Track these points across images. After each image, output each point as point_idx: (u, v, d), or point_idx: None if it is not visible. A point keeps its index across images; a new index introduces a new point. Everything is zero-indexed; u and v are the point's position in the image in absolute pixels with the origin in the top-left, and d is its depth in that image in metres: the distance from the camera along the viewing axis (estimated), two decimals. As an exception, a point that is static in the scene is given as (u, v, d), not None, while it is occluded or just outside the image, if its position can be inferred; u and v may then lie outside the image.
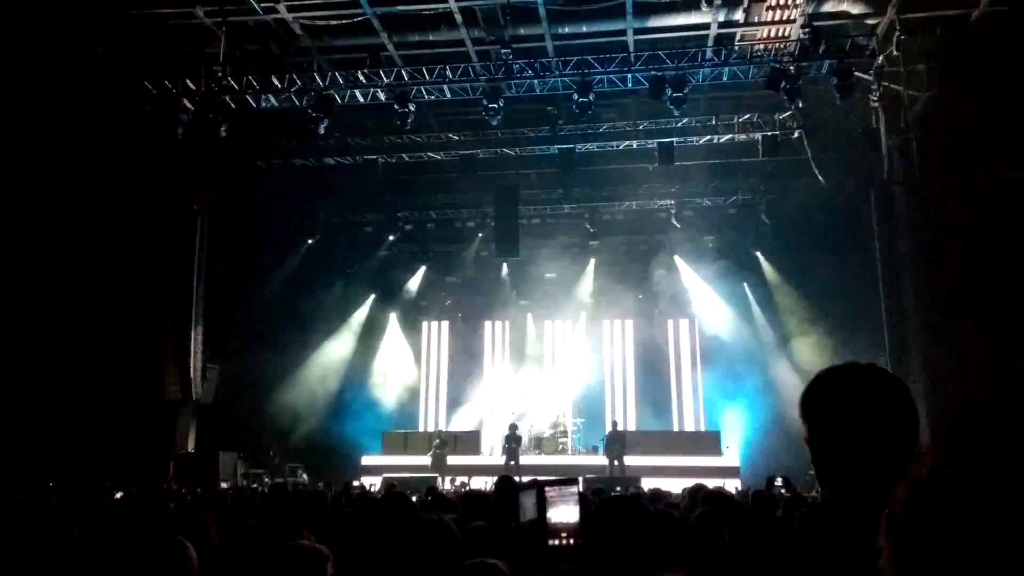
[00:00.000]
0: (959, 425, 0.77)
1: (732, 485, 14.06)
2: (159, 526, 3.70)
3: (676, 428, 20.89)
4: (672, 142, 17.12)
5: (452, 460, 17.46)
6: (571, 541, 1.96)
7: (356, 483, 9.44)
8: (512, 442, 17.41)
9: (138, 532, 3.66)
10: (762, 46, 14.63)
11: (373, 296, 22.52)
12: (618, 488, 12.43)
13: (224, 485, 14.32)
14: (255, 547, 3.30)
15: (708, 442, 18.78)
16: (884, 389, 1.53)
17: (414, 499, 6.06)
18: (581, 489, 2.18)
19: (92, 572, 3.06)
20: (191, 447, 16.96)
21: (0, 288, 14.57)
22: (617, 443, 16.81)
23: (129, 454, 14.87)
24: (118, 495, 10.04)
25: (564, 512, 2.00)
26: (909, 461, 1.47)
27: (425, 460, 17.32)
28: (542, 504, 1.97)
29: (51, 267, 15.56)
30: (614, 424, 17.93)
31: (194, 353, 17.10)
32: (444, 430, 19.48)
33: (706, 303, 21.32)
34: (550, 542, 1.95)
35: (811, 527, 1.57)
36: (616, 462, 16.57)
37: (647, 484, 13.09)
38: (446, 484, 15.78)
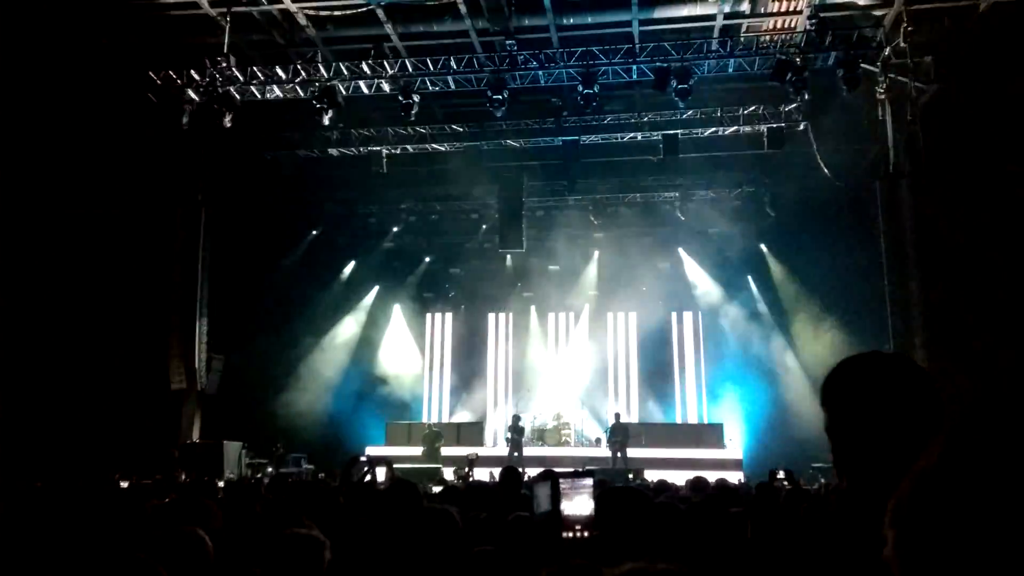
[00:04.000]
0: (966, 418, 0.78)
1: (735, 477, 14.08)
2: (165, 515, 3.72)
3: (679, 420, 20.90)
4: (677, 134, 17.08)
5: (456, 451, 17.54)
6: (585, 533, 1.96)
7: (363, 458, 9.54)
8: (515, 433, 17.46)
9: (144, 521, 3.68)
10: (768, 38, 14.57)
11: (377, 287, 22.53)
12: (629, 477, 12.49)
13: (230, 475, 14.38)
14: (255, 535, 3.31)
15: (711, 435, 18.80)
16: (909, 379, 1.49)
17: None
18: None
19: (101, 562, 3.07)
20: (196, 437, 17.02)
21: (3, 279, 14.59)
22: (620, 435, 16.85)
23: (134, 444, 14.91)
24: (124, 484, 10.08)
25: (578, 504, 2.00)
26: None
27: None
28: (556, 496, 1.97)
29: (55, 258, 15.58)
30: (617, 416, 17.95)
31: (199, 344, 17.14)
32: (435, 423, 19.55)
33: (710, 295, 21.30)
34: (564, 534, 1.95)
35: (826, 517, 1.56)
36: (619, 454, 16.61)
37: (651, 476, 13.12)
38: (448, 474, 15.83)
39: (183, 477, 13.55)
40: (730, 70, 14.86)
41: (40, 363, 15.04)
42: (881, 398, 1.48)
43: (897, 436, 1.45)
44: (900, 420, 1.46)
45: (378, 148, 18.23)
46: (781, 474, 7.58)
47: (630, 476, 13.46)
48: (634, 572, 0.95)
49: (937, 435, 1.46)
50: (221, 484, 10.82)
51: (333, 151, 18.40)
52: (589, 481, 2.03)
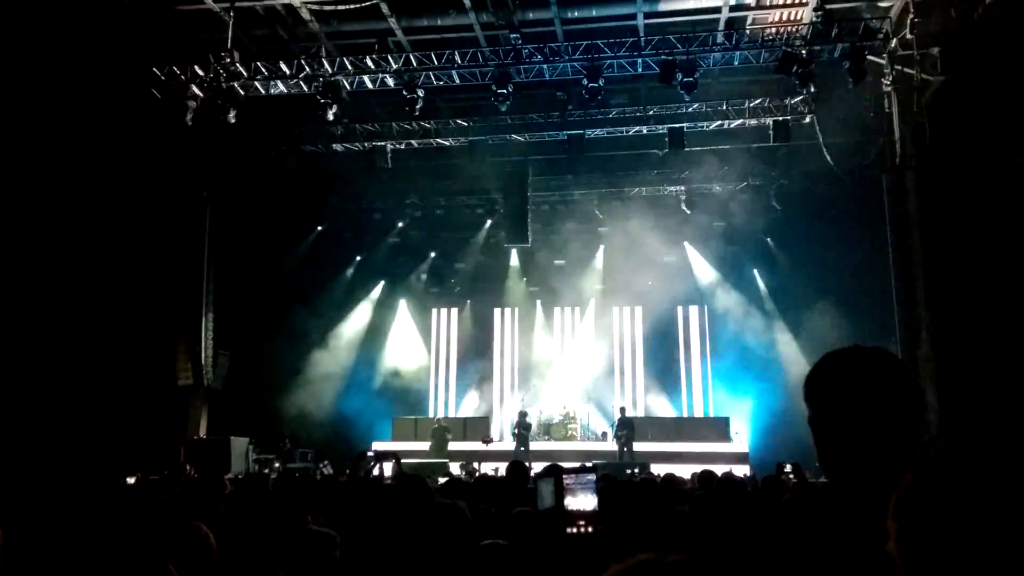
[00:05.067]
0: (970, 412, 0.77)
1: (741, 471, 14.07)
2: (171, 509, 3.73)
3: (685, 414, 20.89)
4: (682, 127, 17.04)
5: (462, 446, 17.60)
6: (589, 528, 1.95)
7: (370, 453, 9.59)
8: (522, 428, 17.49)
9: (151, 516, 3.68)
10: (774, 30, 14.51)
11: (382, 283, 22.56)
12: (628, 471, 12.49)
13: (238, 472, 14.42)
14: (261, 530, 3.32)
15: (717, 428, 18.79)
16: (890, 372, 1.52)
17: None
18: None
19: (109, 555, 3.08)
20: (202, 433, 17.08)
21: (9, 276, 14.64)
22: (626, 429, 16.84)
23: (141, 440, 14.96)
24: (130, 480, 10.11)
25: (582, 500, 1.99)
26: (915, 444, 1.48)
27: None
28: (560, 492, 1.97)
29: (61, 255, 15.62)
30: (622, 410, 17.95)
31: (204, 340, 17.18)
32: (443, 417, 19.58)
33: (716, 289, 21.27)
34: (568, 529, 1.95)
35: (814, 509, 1.57)
36: (625, 448, 16.61)
37: (658, 470, 13.11)
38: (455, 469, 15.87)
39: (191, 473, 13.60)
40: (735, 63, 14.81)
41: (47, 359, 15.09)
42: (862, 392, 1.50)
43: (879, 429, 1.47)
44: (882, 413, 1.48)
45: (383, 143, 18.22)
46: (788, 467, 7.58)
47: (635, 470, 13.44)
48: (644, 564, 0.94)
49: (919, 426, 1.49)
50: (230, 478, 10.86)
51: (337, 146, 18.40)
52: (593, 476, 2.02)
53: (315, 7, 14.18)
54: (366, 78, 15.30)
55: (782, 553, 1.46)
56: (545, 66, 14.93)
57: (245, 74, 15.02)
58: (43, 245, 15.36)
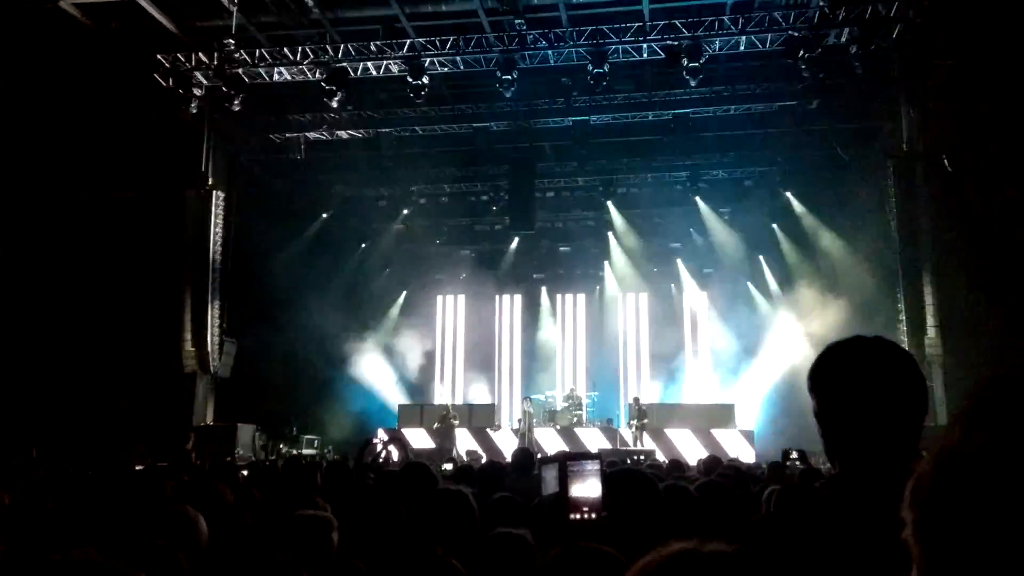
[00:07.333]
0: (987, 395, 0.76)
1: (747, 457, 14.09)
2: (175, 496, 3.76)
3: (690, 401, 20.87)
4: (688, 113, 16.95)
5: (467, 433, 17.64)
6: (593, 516, 1.96)
7: (376, 439, 9.62)
8: (527, 416, 17.49)
9: (157, 503, 3.71)
10: (780, 14, 14.39)
11: (387, 270, 22.57)
12: (635, 458, 12.49)
13: (250, 456, 14.48)
14: (265, 515, 3.33)
15: (722, 415, 18.76)
16: (892, 362, 1.52)
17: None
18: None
19: (111, 542, 3.11)
20: (209, 420, 17.15)
21: (17, 264, 14.70)
22: (640, 417, 16.77)
23: (148, 427, 15.04)
24: (138, 467, 10.17)
25: (586, 487, 2.01)
26: (919, 433, 1.49)
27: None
28: (564, 478, 1.98)
29: (67, 242, 15.66)
30: (636, 399, 17.81)
31: (211, 327, 17.22)
32: (451, 404, 19.59)
33: (721, 275, 21.22)
34: (571, 516, 1.96)
35: (822, 499, 1.58)
36: (637, 438, 16.55)
37: (663, 456, 13.13)
38: (456, 456, 15.92)
39: (196, 461, 13.66)
40: (742, 48, 14.71)
41: (54, 348, 15.17)
42: (865, 381, 1.51)
43: (883, 417, 1.48)
44: (885, 401, 1.49)
45: (387, 130, 18.17)
46: (794, 454, 7.60)
47: (641, 457, 13.45)
48: (682, 554, 0.93)
49: (923, 413, 1.49)
50: (245, 473, 10.89)
51: (342, 133, 18.35)
52: (597, 463, 2.03)
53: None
54: (370, 64, 15.25)
55: (796, 543, 1.46)
56: (550, 52, 14.86)
57: (250, 61, 14.99)
58: (50, 234, 15.40)
